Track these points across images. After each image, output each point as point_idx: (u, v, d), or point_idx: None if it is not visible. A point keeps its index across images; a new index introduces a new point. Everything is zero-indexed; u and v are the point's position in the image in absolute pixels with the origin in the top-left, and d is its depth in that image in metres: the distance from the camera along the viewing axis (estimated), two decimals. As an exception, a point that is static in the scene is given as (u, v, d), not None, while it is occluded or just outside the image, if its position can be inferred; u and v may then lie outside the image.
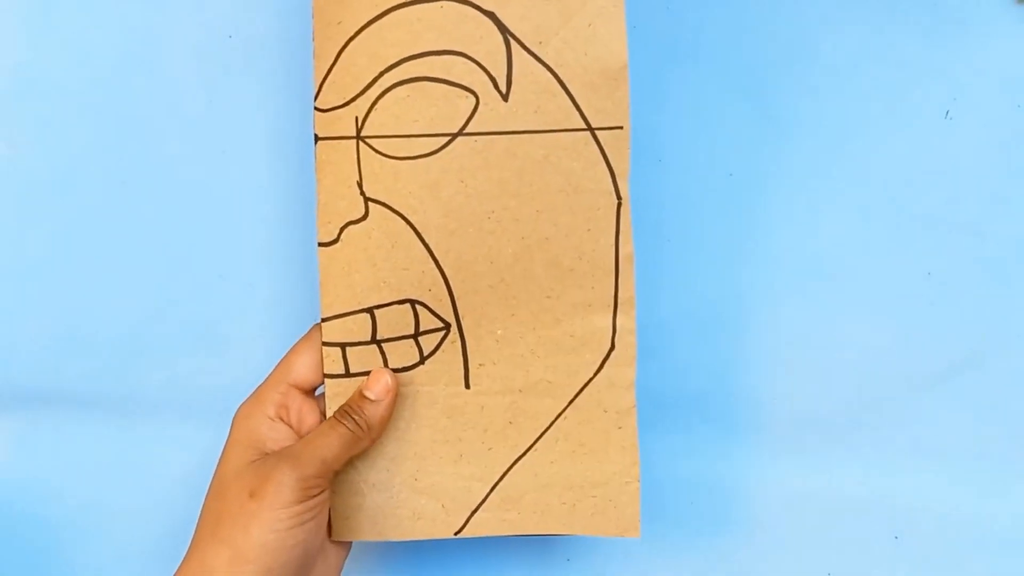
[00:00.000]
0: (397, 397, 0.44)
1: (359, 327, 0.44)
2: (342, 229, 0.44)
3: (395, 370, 0.45)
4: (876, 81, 0.51)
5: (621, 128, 0.43)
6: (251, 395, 0.45)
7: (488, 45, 0.43)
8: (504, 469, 0.45)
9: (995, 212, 0.51)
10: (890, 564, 0.52)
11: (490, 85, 0.43)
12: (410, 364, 0.45)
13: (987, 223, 0.51)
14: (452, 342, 0.45)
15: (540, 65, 0.43)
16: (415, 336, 0.45)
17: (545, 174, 0.43)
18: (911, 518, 0.52)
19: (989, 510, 0.52)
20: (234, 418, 0.44)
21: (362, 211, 0.44)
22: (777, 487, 0.53)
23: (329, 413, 0.44)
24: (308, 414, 0.45)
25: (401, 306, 0.44)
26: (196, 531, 0.42)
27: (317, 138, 0.44)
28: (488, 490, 0.45)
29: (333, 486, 0.44)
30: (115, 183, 0.53)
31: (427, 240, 0.44)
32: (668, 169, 0.52)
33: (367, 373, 0.44)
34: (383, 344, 0.44)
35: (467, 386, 0.45)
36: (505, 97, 0.43)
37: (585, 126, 0.43)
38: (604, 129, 0.43)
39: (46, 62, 0.52)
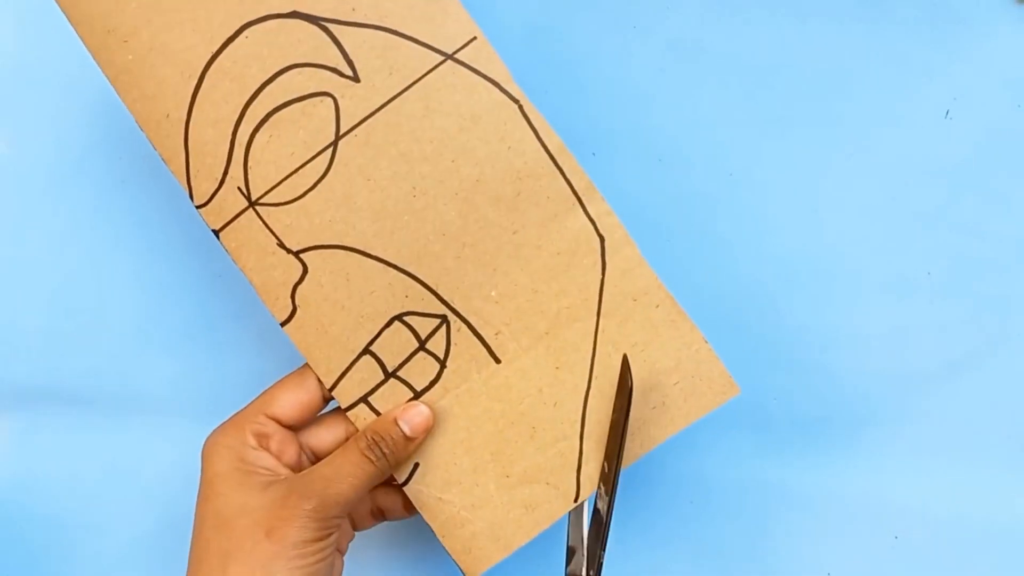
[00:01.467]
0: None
1: (368, 372, 0.43)
2: (292, 296, 0.42)
3: (426, 390, 0.43)
4: (876, 81, 0.51)
5: (475, 38, 0.41)
6: (224, 424, 0.43)
7: (309, 42, 0.41)
8: (579, 415, 0.42)
9: (995, 212, 0.51)
10: (890, 564, 0.52)
11: (336, 77, 0.41)
12: (435, 375, 0.43)
13: (987, 223, 0.51)
14: (458, 330, 0.43)
15: (367, 29, 0.41)
16: (422, 347, 0.43)
17: (436, 123, 0.41)
18: (911, 518, 0.52)
19: (989, 510, 0.52)
20: (208, 447, 0.42)
21: (300, 268, 0.42)
22: (777, 487, 0.53)
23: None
24: (288, 445, 0.42)
25: (391, 327, 0.42)
26: (196, 569, 0.40)
27: (217, 233, 0.42)
28: (578, 443, 0.42)
29: (438, 533, 0.42)
30: (115, 182, 0.53)
31: (373, 253, 0.42)
32: (668, 169, 0.52)
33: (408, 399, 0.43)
34: (399, 372, 0.43)
35: (497, 361, 0.43)
36: (356, 78, 0.41)
37: (443, 56, 0.41)
38: (461, 49, 0.41)
39: (46, 61, 0.52)
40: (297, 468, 0.42)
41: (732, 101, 0.52)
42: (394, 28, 0.41)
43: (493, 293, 0.42)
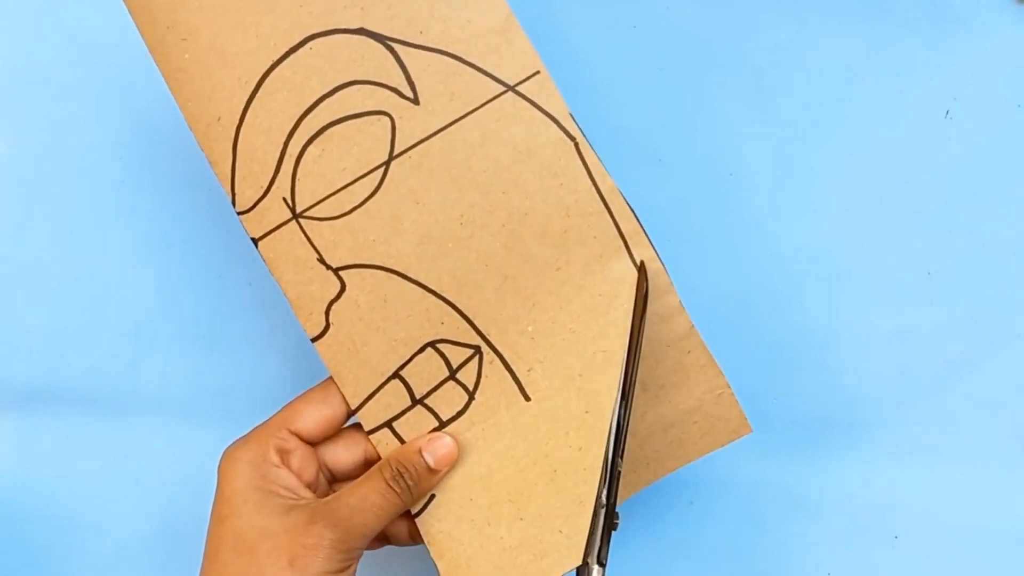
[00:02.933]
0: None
1: (395, 397, 0.42)
2: (327, 313, 0.41)
3: (452, 420, 0.42)
4: (876, 81, 0.51)
5: (538, 72, 0.41)
6: (245, 438, 0.42)
7: (373, 61, 0.40)
8: (600, 459, 0.40)
9: (995, 212, 0.51)
10: (890, 564, 0.52)
11: (396, 97, 0.41)
12: (462, 407, 0.42)
13: (987, 223, 0.51)
14: (490, 362, 0.42)
15: (432, 53, 0.40)
16: (452, 376, 0.42)
17: (491, 153, 0.41)
18: (911, 518, 0.52)
19: (989, 510, 0.52)
20: (227, 461, 0.41)
21: (337, 285, 0.41)
22: (777, 487, 0.53)
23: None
24: (309, 463, 0.41)
25: (423, 354, 0.42)
26: None
27: (255, 241, 0.41)
28: (597, 490, 0.40)
29: (443, 572, 0.41)
30: (115, 182, 0.53)
31: (414, 277, 0.41)
32: (668, 169, 0.52)
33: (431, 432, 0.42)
34: (426, 400, 0.42)
35: (527, 398, 0.42)
36: (416, 101, 0.41)
37: (504, 88, 0.41)
38: (522, 82, 0.41)
39: (46, 61, 0.52)
40: (315, 486, 0.41)
41: (732, 101, 0.52)
42: (459, 55, 0.40)
43: (530, 328, 0.41)
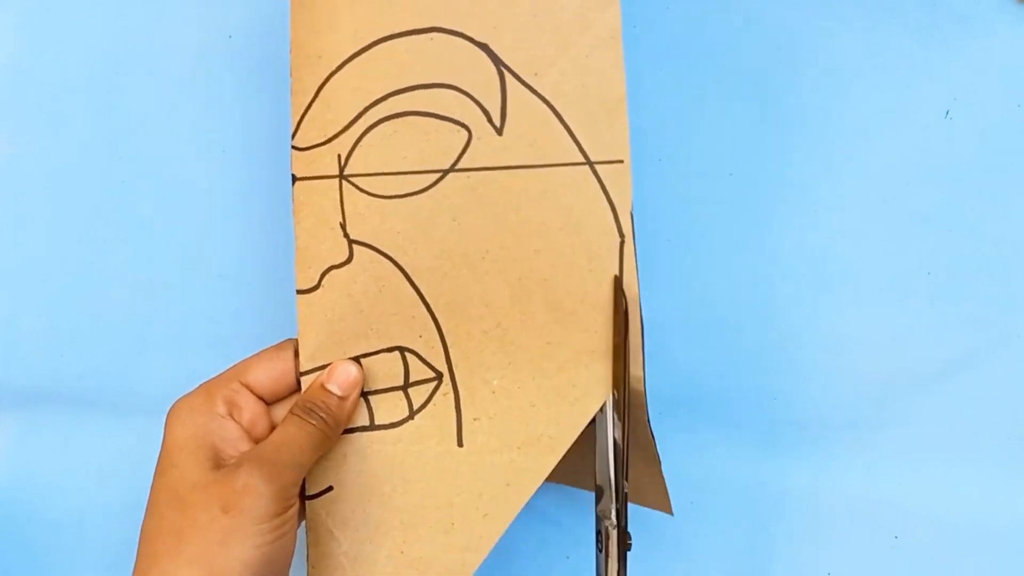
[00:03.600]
0: (360, 392, 0.41)
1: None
2: (323, 274, 0.41)
3: (382, 427, 0.41)
4: (876, 81, 0.51)
5: (621, 162, 0.41)
6: (195, 390, 0.41)
7: (481, 77, 0.41)
8: (499, 537, 0.41)
9: (995, 212, 0.51)
10: (890, 564, 0.52)
11: (483, 118, 0.41)
12: (398, 420, 0.42)
13: (987, 223, 0.51)
14: (444, 394, 0.41)
15: (536, 97, 0.41)
16: (404, 388, 0.42)
17: (543, 211, 0.41)
18: (911, 518, 0.52)
19: (989, 510, 0.52)
20: (173, 413, 0.40)
21: (346, 254, 0.41)
22: (777, 487, 0.53)
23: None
24: (260, 418, 0.41)
25: (390, 354, 0.42)
26: (148, 546, 0.37)
27: (295, 178, 0.41)
28: (481, 563, 0.41)
29: (311, 559, 0.41)
30: (115, 183, 0.53)
31: (417, 283, 0.41)
32: (668, 169, 0.52)
33: (354, 429, 0.41)
34: (370, 396, 0.42)
35: (460, 444, 0.41)
36: (499, 131, 0.41)
37: (584, 160, 0.41)
38: (603, 163, 0.41)
39: (46, 62, 0.52)
40: None
41: (732, 101, 0.52)
42: (560, 111, 0.41)
43: (495, 382, 0.41)
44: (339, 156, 0.41)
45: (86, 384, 0.53)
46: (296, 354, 0.42)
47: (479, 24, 0.40)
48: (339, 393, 0.40)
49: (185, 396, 0.41)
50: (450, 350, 0.41)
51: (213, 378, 0.41)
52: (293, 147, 0.41)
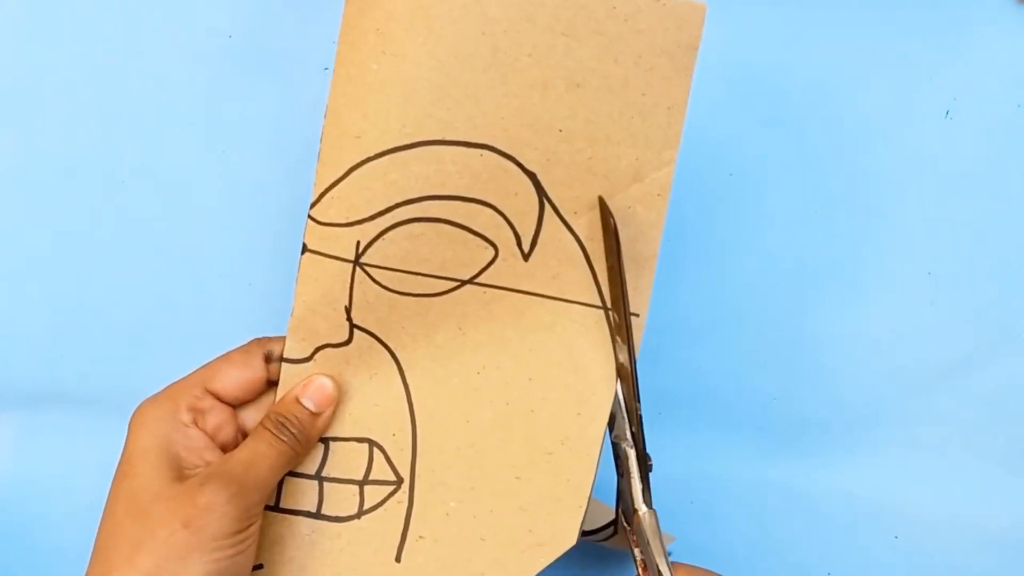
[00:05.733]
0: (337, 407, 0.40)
1: (309, 457, 0.40)
2: (318, 350, 0.40)
3: (327, 518, 0.40)
4: (876, 81, 0.51)
5: (637, 315, 0.40)
6: (159, 394, 0.40)
7: (521, 203, 0.39)
8: None
9: (995, 212, 0.51)
10: (890, 564, 0.52)
11: (513, 242, 0.40)
12: (345, 515, 0.40)
13: (987, 223, 0.51)
14: (399, 502, 0.40)
15: (569, 234, 0.40)
16: (362, 483, 0.40)
17: (548, 342, 0.40)
18: (911, 518, 0.52)
19: (989, 510, 0.52)
20: (137, 416, 0.39)
21: (346, 336, 0.40)
22: (777, 487, 0.53)
23: None
24: (226, 424, 0.39)
25: (359, 444, 0.40)
26: (104, 553, 0.36)
27: (305, 248, 0.40)
28: None
29: None
30: (115, 183, 0.53)
31: (408, 380, 0.40)
32: (668, 169, 0.52)
33: (299, 512, 0.40)
34: (325, 483, 0.40)
35: (398, 559, 0.39)
36: (526, 257, 0.40)
37: (600, 304, 0.40)
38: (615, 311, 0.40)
39: (46, 62, 0.52)
40: (231, 448, 0.40)
41: (732, 101, 0.52)
42: (589, 254, 0.40)
43: (453, 504, 0.40)
44: (358, 242, 0.39)
45: (86, 384, 0.53)
46: (266, 358, 0.40)
47: (533, 153, 0.39)
48: (313, 409, 0.39)
49: (149, 400, 0.40)
50: (418, 458, 0.40)
51: (178, 382, 0.40)
52: (310, 217, 0.39)
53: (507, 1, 0.38)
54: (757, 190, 0.52)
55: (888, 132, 0.51)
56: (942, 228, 0.51)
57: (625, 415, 0.40)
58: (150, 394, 0.53)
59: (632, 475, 0.40)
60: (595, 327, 0.40)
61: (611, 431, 0.41)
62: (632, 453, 0.40)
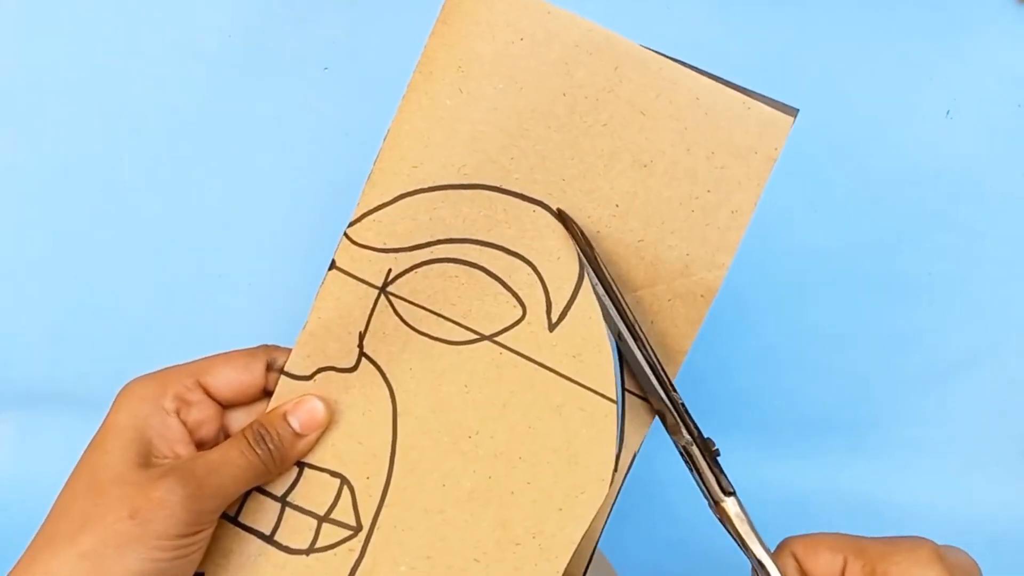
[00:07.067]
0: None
1: (281, 477, 0.39)
2: (320, 370, 0.39)
3: (277, 544, 0.39)
4: (876, 81, 0.51)
5: (647, 401, 0.39)
6: (152, 375, 0.38)
7: (561, 269, 0.38)
8: None
9: (995, 212, 0.51)
10: (890, 564, 0.52)
11: (543, 307, 0.38)
12: (295, 547, 0.39)
13: (987, 223, 0.51)
14: (351, 550, 0.38)
15: (600, 315, 0.38)
16: (322, 519, 0.39)
17: (550, 425, 0.38)
18: (911, 518, 0.52)
19: (989, 510, 0.52)
20: (122, 393, 0.38)
21: (353, 362, 0.39)
22: (777, 487, 0.53)
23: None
24: (209, 420, 0.38)
25: (332, 478, 0.39)
26: (53, 523, 0.35)
27: (334, 264, 0.39)
28: None
29: None
30: (115, 183, 0.53)
31: (399, 426, 0.39)
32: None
33: (253, 531, 0.39)
34: (287, 508, 0.39)
35: None
36: (552, 327, 0.39)
37: (614, 398, 0.38)
38: (633, 394, 0.39)
39: (46, 62, 0.52)
40: (208, 445, 0.38)
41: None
42: (620, 341, 0.38)
43: (403, 569, 0.38)
44: (389, 270, 0.39)
45: (86, 384, 0.53)
46: (268, 366, 0.39)
47: (586, 223, 0.38)
48: (298, 429, 0.38)
49: (140, 378, 0.38)
50: (384, 508, 0.39)
51: (173, 367, 0.39)
52: (346, 235, 0.39)
53: (595, 69, 0.38)
54: (757, 190, 0.52)
55: (888, 132, 0.51)
56: (942, 228, 0.51)
57: (669, 407, 0.38)
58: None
59: (702, 468, 0.39)
60: (603, 419, 0.38)
61: (665, 426, 0.39)
62: (695, 450, 0.38)
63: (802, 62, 0.51)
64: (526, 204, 0.38)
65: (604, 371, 0.39)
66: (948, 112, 0.51)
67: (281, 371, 0.39)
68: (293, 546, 0.39)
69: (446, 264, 0.39)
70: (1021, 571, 0.52)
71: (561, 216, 0.38)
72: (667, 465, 0.53)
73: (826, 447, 0.52)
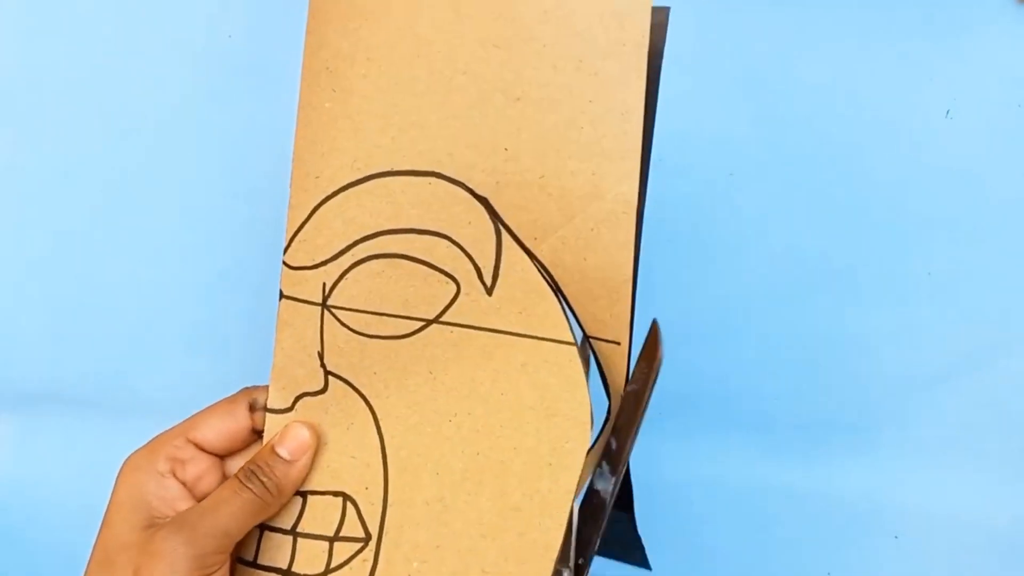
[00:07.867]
0: (315, 455, 0.39)
1: (287, 511, 0.39)
2: (297, 399, 0.39)
3: (294, 572, 0.39)
4: (876, 81, 0.51)
5: (619, 344, 0.38)
6: (144, 445, 0.40)
7: (476, 232, 0.37)
8: None
9: (995, 212, 0.51)
10: (890, 564, 0.52)
11: (474, 275, 0.38)
12: (312, 573, 0.39)
13: (987, 223, 0.51)
14: (364, 560, 0.38)
15: (532, 263, 0.37)
16: (332, 539, 0.39)
17: (519, 385, 0.38)
18: (911, 518, 0.52)
19: (989, 510, 0.52)
20: (122, 470, 0.39)
21: (321, 383, 0.39)
22: (777, 487, 0.53)
23: None
24: (208, 473, 0.39)
25: (334, 498, 0.39)
26: None
27: (282, 294, 0.39)
28: None
29: None
30: (115, 183, 0.53)
31: (383, 430, 0.39)
32: (668, 169, 0.52)
33: (272, 569, 0.39)
34: (299, 538, 0.39)
35: None
36: (489, 291, 0.38)
37: (572, 340, 0.37)
38: (599, 340, 0.38)
39: (46, 62, 0.52)
40: None
41: (732, 101, 0.52)
42: (558, 283, 0.37)
43: (415, 565, 0.38)
44: (324, 284, 0.39)
45: (86, 384, 0.53)
46: (250, 408, 0.40)
47: (481, 177, 0.37)
48: (287, 457, 0.38)
49: (135, 452, 0.40)
50: (388, 512, 0.39)
51: (162, 433, 0.40)
52: (284, 262, 0.39)
53: (437, 19, 0.37)
54: (757, 190, 0.52)
55: (888, 132, 0.51)
56: (942, 228, 0.51)
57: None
58: (149, 394, 0.53)
59: None
60: (568, 365, 0.37)
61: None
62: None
63: (802, 62, 0.51)
64: (420, 179, 0.38)
65: (553, 317, 0.38)
66: (948, 112, 0.51)
67: (265, 409, 0.39)
68: (310, 572, 0.39)
69: (370, 262, 0.38)
70: (1021, 571, 0.52)
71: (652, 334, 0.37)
72: (677, 468, 0.53)
73: (826, 447, 0.52)
